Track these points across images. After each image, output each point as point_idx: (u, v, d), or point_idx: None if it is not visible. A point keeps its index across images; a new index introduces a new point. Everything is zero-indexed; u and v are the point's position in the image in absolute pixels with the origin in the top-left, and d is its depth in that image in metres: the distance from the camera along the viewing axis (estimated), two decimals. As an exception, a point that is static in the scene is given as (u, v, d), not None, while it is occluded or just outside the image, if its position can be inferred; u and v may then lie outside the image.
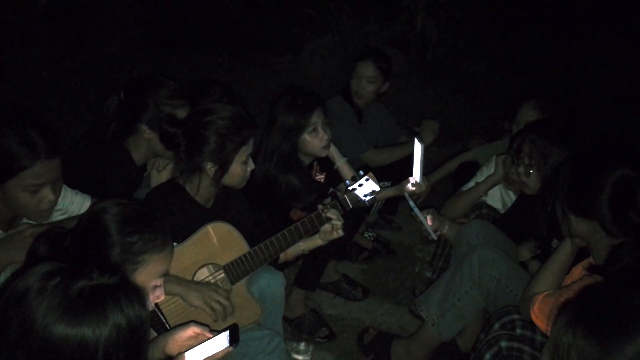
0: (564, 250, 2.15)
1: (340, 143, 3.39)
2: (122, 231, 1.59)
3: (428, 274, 3.27)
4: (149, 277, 1.64)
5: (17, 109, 2.96)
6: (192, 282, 2.14)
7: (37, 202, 1.89)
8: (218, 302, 2.12)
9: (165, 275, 1.71)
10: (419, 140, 2.52)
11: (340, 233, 2.32)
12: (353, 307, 3.13)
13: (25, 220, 2.01)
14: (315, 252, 2.77)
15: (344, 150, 3.38)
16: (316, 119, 2.79)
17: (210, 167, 2.22)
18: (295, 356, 2.68)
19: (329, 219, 2.27)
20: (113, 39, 5.67)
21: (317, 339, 2.83)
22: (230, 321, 2.13)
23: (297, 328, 2.86)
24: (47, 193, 1.89)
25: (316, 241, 2.42)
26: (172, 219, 2.06)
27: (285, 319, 2.71)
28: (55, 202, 1.97)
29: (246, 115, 2.31)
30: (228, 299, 2.15)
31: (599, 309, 1.20)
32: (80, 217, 1.72)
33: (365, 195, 2.30)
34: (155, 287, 1.68)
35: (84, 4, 5.66)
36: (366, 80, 3.52)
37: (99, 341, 1.14)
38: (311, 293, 3.00)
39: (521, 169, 2.61)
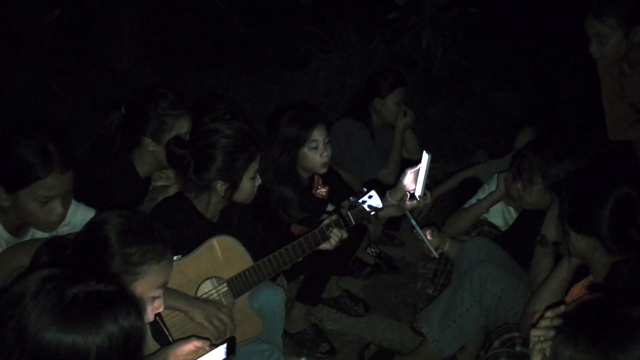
0: (563, 269, 2.16)
1: (360, 163, 3.42)
2: (122, 242, 1.61)
3: (430, 291, 3.27)
4: (148, 288, 1.65)
5: (37, 121, 2.99)
6: (197, 299, 2.16)
7: (46, 214, 1.93)
8: (220, 320, 2.12)
9: (165, 286, 1.71)
10: (427, 152, 2.55)
11: (333, 243, 2.32)
12: (354, 323, 3.13)
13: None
14: (318, 267, 2.79)
15: (363, 170, 3.41)
16: (318, 135, 2.82)
17: (220, 186, 2.25)
18: (296, 371, 2.70)
19: (326, 239, 2.29)
20: (122, 54, 5.74)
21: (317, 355, 2.84)
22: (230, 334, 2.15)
23: (298, 343, 2.87)
24: (56, 205, 1.93)
25: None
26: (177, 232, 2.09)
27: (286, 333, 2.72)
28: (64, 215, 2.01)
29: (252, 131, 2.34)
30: (230, 316, 2.17)
31: (600, 322, 1.21)
32: (82, 228, 1.74)
33: (369, 212, 2.33)
34: (154, 298, 1.68)
35: (93, 18, 5.74)
36: (403, 102, 3.64)
37: (90, 349, 1.12)
38: (313, 308, 3.01)
39: (519, 185, 2.65)
